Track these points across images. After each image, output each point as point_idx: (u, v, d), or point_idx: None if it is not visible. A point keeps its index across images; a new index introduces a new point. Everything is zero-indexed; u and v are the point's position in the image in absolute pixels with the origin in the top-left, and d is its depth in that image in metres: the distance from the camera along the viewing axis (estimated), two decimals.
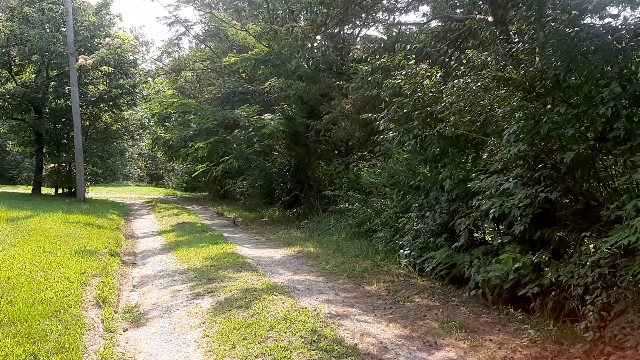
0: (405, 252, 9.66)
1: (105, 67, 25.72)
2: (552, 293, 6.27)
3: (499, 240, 7.76)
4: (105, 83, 27.32)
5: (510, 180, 6.68)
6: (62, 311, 6.42)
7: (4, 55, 25.32)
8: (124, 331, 6.53)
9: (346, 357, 5.29)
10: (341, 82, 16.18)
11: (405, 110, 8.77)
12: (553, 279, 6.13)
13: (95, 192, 30.63)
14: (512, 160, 6.83)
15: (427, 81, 8.58)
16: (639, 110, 5.93)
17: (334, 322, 6.48)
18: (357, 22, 16.06)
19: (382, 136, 10.71)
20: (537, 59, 6.97)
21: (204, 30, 26.25)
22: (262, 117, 17.64)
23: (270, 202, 22.38)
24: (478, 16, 10.45)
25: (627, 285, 5.08)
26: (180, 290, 8.33)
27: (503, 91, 7.18)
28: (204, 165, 21.26)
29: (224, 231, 15.81)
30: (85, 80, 26.71)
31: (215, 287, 8.24)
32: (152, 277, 9.64)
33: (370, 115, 10.37)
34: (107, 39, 26.29)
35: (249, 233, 15.99)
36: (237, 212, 22.02)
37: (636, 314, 4.92)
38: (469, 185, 7.60)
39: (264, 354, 5.36)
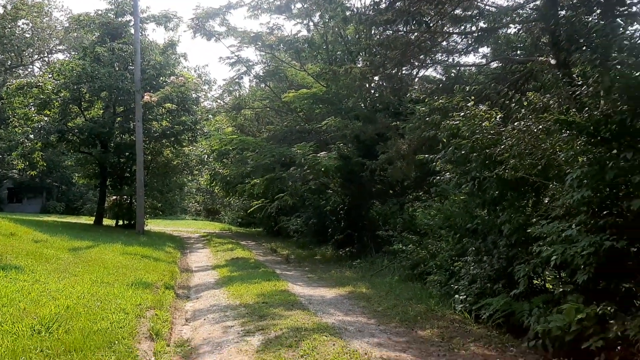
0: (461, 297, 9.36)
1: (169, 104, 26.65)
2: (618, 347, 5.91)
3: (561, 289, 7.40)
4: (168, 119, 28.26)
5: (574, 226, 6.43)
6: (116, 342, 6.53)
7: (75, 92, 26.71)
8: None
9: None
10: (398, 122, 16.17)
11: (463, 152, 8.65)
12: (619, 333, 5.79)
13: (153, 225, 31.42)
14: (576, 206, 6.59)
15: (486, 123, 8.46)
16: None
17: None
18: (416, 64, 16.11)
19: (438, 177, 10.59)
20: (601, 102, 6.77)
21: (264, 70, 26.94)
22: (318, 155, 17.79)
23: (323, 240, 22.34)
24: (540, 58, 10.31)
25: None
26: (232, 326, 8.34)
27: (566, 135, 6.99)
28: (259, 202, 21.55)
29: (277, 268, 15.84)
30: (150, 117, 27.70)
31: (266, 324, 8.21)
32: (204, 311, 9.71)
33: (426, 155, 10.29)
34: (172, 77, 27.39)
35: (301, 271, 15.95)
36: (290, 249, 22.06)
37: None
38: (529, 231, 7.36)
39: None
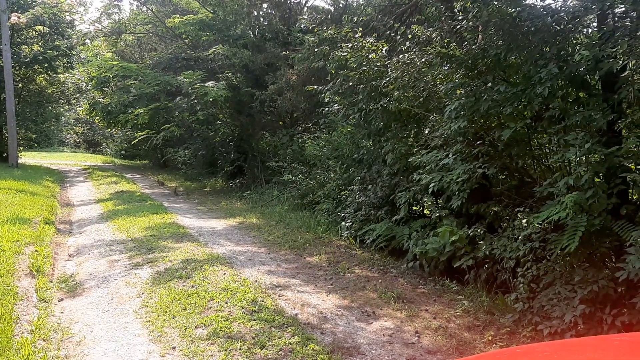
0: (347, 224, 9.78)
1: (40, 26, 24.45)
2: (486, 265, 6.52)
3: (437, 214, 7.97)
4: (40, 44, 25.97)
5: (450, 155, 6.80)
6: None
7: None
8: (59, 301, 6.37)
9: (286, 327, 5.35)
10: (287, 52, 16.01)
11: (350, 84, 8.79)
12: (487, 252, 6.36)
13: (28, 158, 29.38)
14: (453, 136, 6.96)
15: (372, 55, 8.60)
16: (574, 91, 6.14)
17: (275, 292, 6.53)
18: None
19: (327, 109, 10.73)
20: (480, 37, 7.08)
21: None
22: (206, 84, 17.25)
23: (212, 172, 22.12)
24: None
25: (556, 258, 5.32)
26: (119, 260, 8.17)
27: (446, 68, 7.28)
28: (144, 133, 20.71)
29: (165, 201, 15.56)
30: (19, 40, 25.33)
31: (155, 257, 8.13)
32: (89, 246, 9.40)
33: (316, 87, 10.36)
34: None
35: (191, 203, 15.79)
36: (178, 182, 21.67)
37: (563, 286, 5.18)
38: (410, 160, 7.71)
39: (204, 324, 5.35)
